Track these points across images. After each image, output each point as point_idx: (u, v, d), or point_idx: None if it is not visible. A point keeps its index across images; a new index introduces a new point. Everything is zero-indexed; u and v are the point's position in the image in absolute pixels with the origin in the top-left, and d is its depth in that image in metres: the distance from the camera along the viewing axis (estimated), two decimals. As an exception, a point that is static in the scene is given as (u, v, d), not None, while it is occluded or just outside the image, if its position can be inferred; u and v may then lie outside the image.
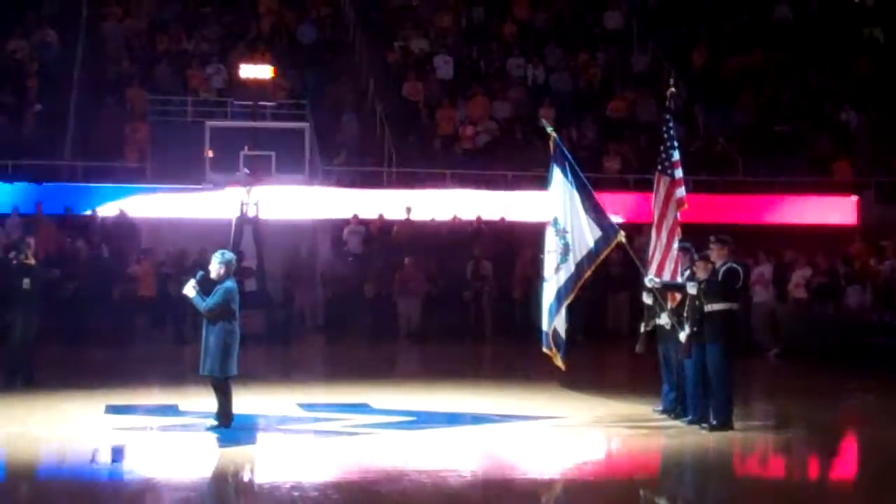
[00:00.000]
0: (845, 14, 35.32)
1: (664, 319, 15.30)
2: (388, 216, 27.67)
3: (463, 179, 28.90)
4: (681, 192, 15.66)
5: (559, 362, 15.54)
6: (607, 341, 25.03)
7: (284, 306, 26.62)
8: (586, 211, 15.28)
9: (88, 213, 26.54)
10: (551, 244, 15.42)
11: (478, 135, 30.53)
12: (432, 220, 27.79)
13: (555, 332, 15.32)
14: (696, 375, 14.73)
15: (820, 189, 29.85)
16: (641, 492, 12.26)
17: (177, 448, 13.83)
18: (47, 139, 28.38)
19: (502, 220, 27.91)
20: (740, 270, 14.94)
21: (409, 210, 27.66)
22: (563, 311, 15.32)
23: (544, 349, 15.48)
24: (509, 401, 17.23)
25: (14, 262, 18.44)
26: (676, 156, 15.78)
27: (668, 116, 16.16)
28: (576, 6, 35.00)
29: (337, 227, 27.78)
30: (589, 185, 15.59)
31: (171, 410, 15.97)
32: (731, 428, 14.63)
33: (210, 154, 26.86)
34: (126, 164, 28.36)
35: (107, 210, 26.63)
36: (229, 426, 14.25)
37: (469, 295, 26.63)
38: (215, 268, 14.27)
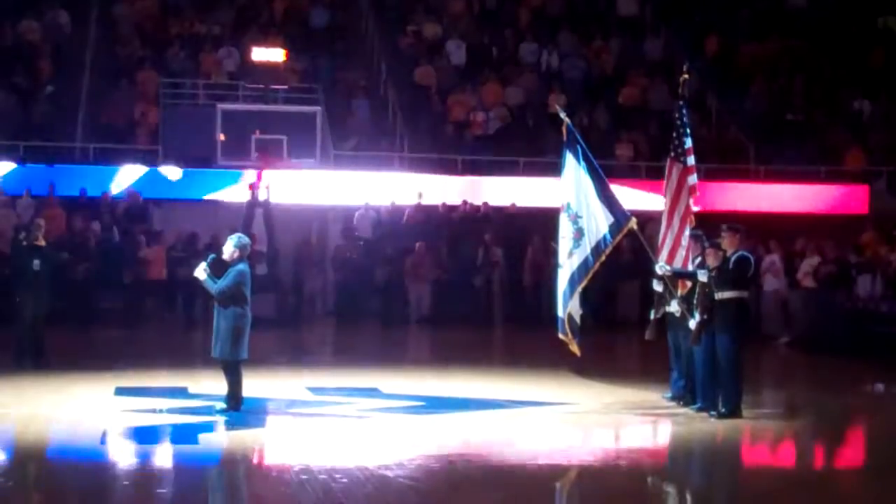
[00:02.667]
0: (860, 3, 35.20)
1: (674, 307, 15.29)
2: (400, 201, 27.67)
3: (474, 165, 28.88)
4: (693, 179, 15.65)
5: (574, 348, 15.53)
6: (617, 328, 25.02)
7: (294, 290, 26.64)
8: (599, 197, 15.26)
9: (100, 195, 26.56)
10: (564, 229, 15.41)
11: (489, 121, 30.49)
12: (443, 206, 27.77)
13: (570, 317, 15.32)
14: (706, 363, 14.72)
15: (832, 178, 29.80)
16: (649, 479, 12.26)
17: (186, 431, 13.85)
18: (59, 121, 28.40)
19: (513, 206, 27.87)
20: (751, 259, 14.94)
21: (420, 195, 27.65)
22: (576, 296, 15.31)
23: (559, 335, 15.48)
24: (519, 387, 17.24)
25: (25, 243, 18.48)
26: (689, 143, 15.77)
27: (681, 103, 16.14)
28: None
29: (348, 211, 27.79)
30: (601, 171, 15.57)
31: (181, 393, 15.99)
32: (740, 416, 14.63)
33: (222, 137, 26.86)
34: (137, 147, 28.39)
35: (118, 192, 26.68)
36: (239, 409, 14.27)
37: (479, 281, 26.64)
38: (229, 250, 14.28)
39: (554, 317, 15.78)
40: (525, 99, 31.14)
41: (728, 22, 34.31)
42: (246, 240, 14.54)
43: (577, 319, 15.45)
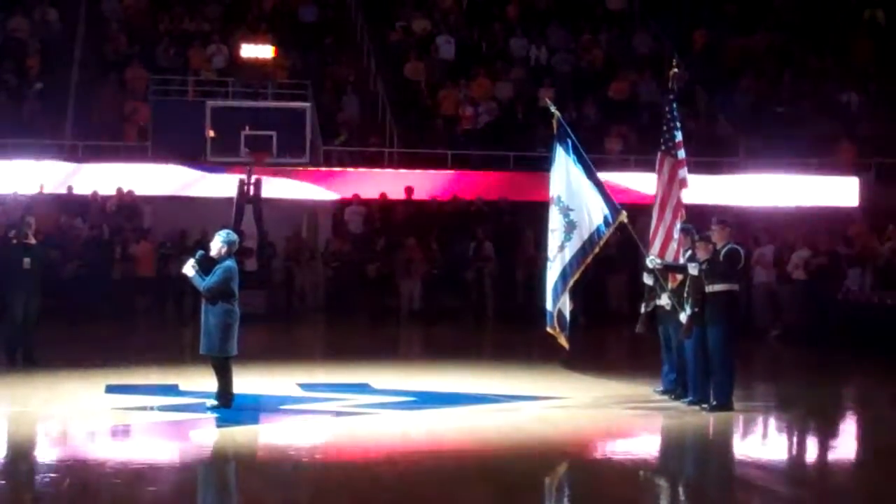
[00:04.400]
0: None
1: (665, 300, 15.28)
2: (390, 196, 27.65)
3: (464, 160, 28.87)
4: (683, 172, 15.66)
5: (563, 342, 15.53)
6: (608, 322, 25.02)
7: (285, 286, 26.61)
8: (590, 190, 15.25)
9: (89, 192, 26.51)
10: (555, 222, 15.38)
11: (479, 115, 30.48)
12: (433, 201, 27.76)
13: (559, 311, 15.31)
14: (697, 356, 14.71)
15: (821, 170, 29.82)
16: (641, 472, 12.25)
17: (177, 428, 13.82)
18: (48, 118, 28.36)
19: (503, 200, 27.88)
20: (741, 251, 14.94)
21: (409, 190, 27.63)
22: (567, 290, 15.30)
23: (548, 329, 15.47)
24: (510, 381, 17.23)
25: (14, 241, 18.44)
26: (679, 136, 15.78)
27: (671, 97, 16.14)
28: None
29: (338, 207, 27.77)
30: (592, 164, 15.56)
31: (172, 390, 15.97)
32: (731, 408, 14.63)
33: (211, 134, 26.84)
34: (127, 144, 28.35)
35: (107, 190, 26.62)
36: (229, 406, 14.24)
37: (471, 275, 26.63)
38: (217, 246, 14.24)
39: (544, 310, 15.77)
40: (515, 93, 31.14)
41: (716, 16, 34.37)
42: (233, 236, 14.51)
43: (567, 313, 15.44)
